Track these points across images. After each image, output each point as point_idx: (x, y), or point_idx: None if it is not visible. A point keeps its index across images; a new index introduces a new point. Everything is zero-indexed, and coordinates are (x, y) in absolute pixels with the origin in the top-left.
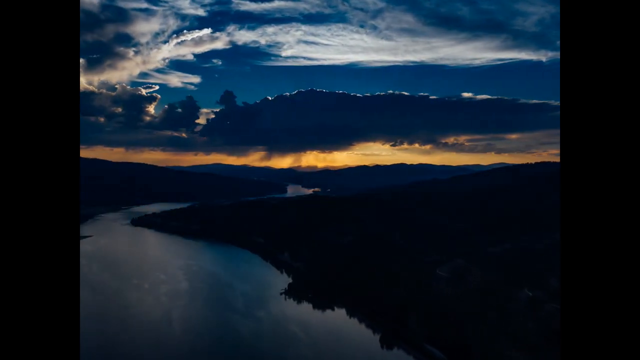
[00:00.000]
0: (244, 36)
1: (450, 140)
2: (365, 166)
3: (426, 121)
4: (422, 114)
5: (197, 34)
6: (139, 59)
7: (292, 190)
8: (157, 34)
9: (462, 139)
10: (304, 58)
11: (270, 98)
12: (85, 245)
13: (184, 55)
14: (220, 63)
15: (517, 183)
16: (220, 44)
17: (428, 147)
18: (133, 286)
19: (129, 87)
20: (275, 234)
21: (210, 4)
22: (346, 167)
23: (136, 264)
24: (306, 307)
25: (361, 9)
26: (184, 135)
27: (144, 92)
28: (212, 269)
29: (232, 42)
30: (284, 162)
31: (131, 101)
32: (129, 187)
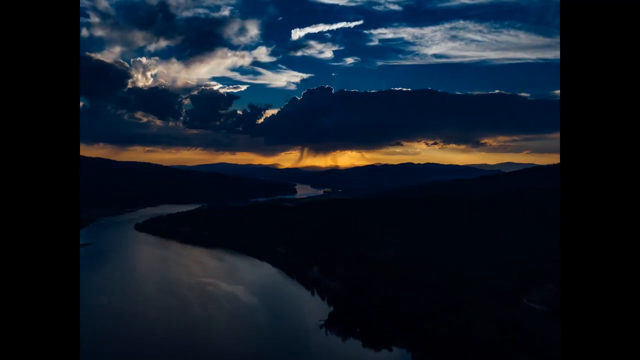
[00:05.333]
0: (397, 33)
1: (489, 140)
2: (372, 165)
3: (475, 120)
4: (473, 112)
5: (323, 27)
6: (239, 54)
7: (302, 191)
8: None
9: (502, 139)
10: (435, 56)
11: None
12: (82, 255)
13: (314, 52)
14: (352, 61)
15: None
16: (364, 40)
17: (463, 146)
18: (137, 313)
19: (213, 86)
20: (298, 244)
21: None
22: (353, 166)
23: (140, 283)
24: (355, 346)
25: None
26: (237, 135)
27: (224, 91)
28: (230, 289)
29: (381, 39)
30: (316, 161)
31: (206, 101)
32: (133, 188)
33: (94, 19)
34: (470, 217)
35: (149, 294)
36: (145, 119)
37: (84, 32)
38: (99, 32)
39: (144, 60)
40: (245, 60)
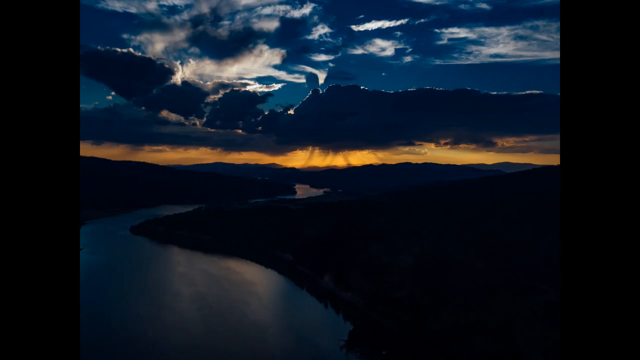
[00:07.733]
0: (468, 32)
1: (501, 141)
2: (370, 165)
3: (494, 120)
4: (497, 112)
5: (385, 23)
6: (278, 52)
7: (301, 191)
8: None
9: (514, 139)
10: (492, 55)
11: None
12: None
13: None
14: (409, 60)
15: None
16: (433, 39)
17: (473, 146)
18: (132, 330)
19: (249, 85)
20: (305, 249)
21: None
22: (351, 166)
23: (136, 294)
24: None
25: None
26: (252, 134)
27: (254, 89)
28: (234, 297)
29: (450, 39)
30: (326, 160)
31: (232, 100)
32: (130, 189)
33: (142, 18)
34: (491, 220)
35: (144, 306)
36: (169, 118)
37: (125, 35)
38: (144, 33)
39: (177, 63)
40: (284, 58)
